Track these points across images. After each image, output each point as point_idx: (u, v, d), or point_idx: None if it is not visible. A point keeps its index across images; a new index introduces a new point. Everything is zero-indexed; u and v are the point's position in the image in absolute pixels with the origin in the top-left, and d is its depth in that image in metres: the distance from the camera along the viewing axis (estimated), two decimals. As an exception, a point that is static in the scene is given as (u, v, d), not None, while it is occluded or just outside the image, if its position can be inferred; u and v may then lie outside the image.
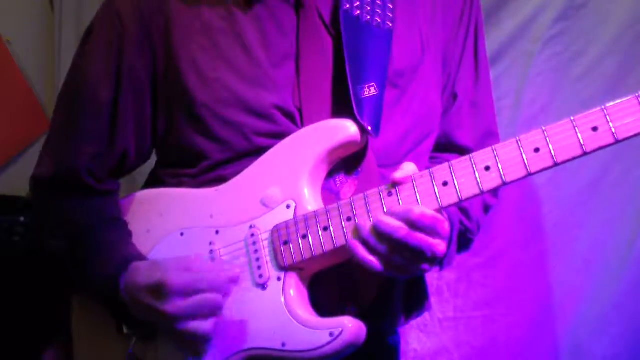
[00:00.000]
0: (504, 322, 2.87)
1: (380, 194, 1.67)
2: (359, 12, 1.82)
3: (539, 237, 2.85)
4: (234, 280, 1.75)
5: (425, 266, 1.67)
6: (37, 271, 2.06)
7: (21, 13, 3.61)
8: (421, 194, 1.64)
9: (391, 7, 1.85)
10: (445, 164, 1.63)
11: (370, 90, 1.77)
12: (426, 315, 2.87)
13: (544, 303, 2.85)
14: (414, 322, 2.87)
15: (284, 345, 1.69)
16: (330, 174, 1.80)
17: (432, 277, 2.87)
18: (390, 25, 1.84)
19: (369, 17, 1.83)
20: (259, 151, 1.80)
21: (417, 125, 1.88)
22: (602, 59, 2.76)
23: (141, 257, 1.84)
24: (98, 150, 1.90)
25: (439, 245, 1.64)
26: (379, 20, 1.83)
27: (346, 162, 1.80)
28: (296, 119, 1.80)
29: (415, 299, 1.99)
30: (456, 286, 2.89)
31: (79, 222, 1.90)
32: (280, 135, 1.79)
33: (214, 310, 1.72)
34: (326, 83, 1.80)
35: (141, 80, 1.88)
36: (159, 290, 1.71)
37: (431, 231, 1.62)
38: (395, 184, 1.66)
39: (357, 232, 1.65)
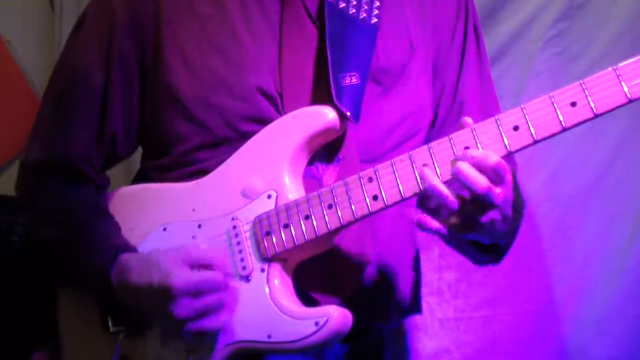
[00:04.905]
0: (504, 322, 2.87)
1: (360, 180, 1.67)
2: (344, 4, 1.85)
3: (539, 237, 2.85)
4: (230, 274, 1.75)
5: (495, 214, 1.61)
6: (32, 272, 2.06)
7: (21, 13, 3.61)
8: (401, 177, 1.64)
9: (378, 4, 1.87)
10: (425, 147, 1.64)
11: (351, 79, 1.78)
12: (426, 315, 2.88)
13: (544, 303, 2.85)
14: (414, 322, 2.87)
15: (269, 336, 1.70)
16: (312, 162, 1.81)
17: (432, 277, 2.87)
18: (376, 20, 1.86)
19: (354, 11, 1.85)
20: (239, 137, 1.81)
21: (402, 123, 1.88)
22: (602, 59, 2.76)
23: (130, 248, 1.84)
24: (91, 135, 1.92)
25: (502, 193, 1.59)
26: (365, 15, 1.85)
27: (327, 150, 1.81)
28: (277, 104, 1.82)
29: (407, 296, 1.97)
30: (456, 286, 2.89)
31: (72, 210, 1.91)
32: (260, 120, 1.81)
33: (221, 305, 1.73)
34: (308, 70, 1.83)
35: (130, 64, 1.91)
36: (165, 293, 1.71)
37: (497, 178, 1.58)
38: (376, 170, 1.66)
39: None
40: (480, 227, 1.62)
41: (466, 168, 1.56)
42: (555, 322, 2.85)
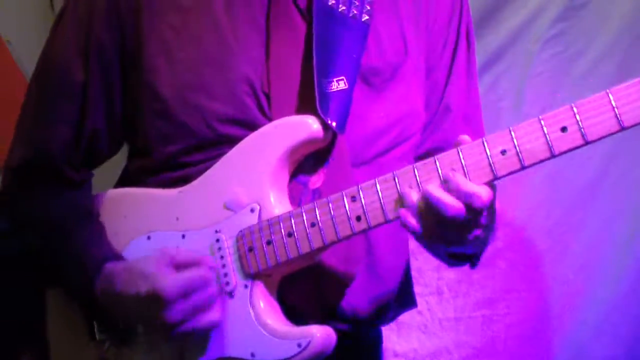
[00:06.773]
0: (503, 322, 2.87)
1: (344, 199, 1.62)
2: (333, 1, 1.77)
3: (539, 237, 2.86)
4: (214, 268, 1.70)
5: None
6: (17, 277, 2.02)
7: (21, 13, 3.61)
8: (385, 198, 1.58)
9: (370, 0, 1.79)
10: (410, 167, 1.57)
11: (339, 85, 1.71)
12: (426, 315, 2.89)
13: (543, 303, 2.85)
14: (414, 322, 2.88)
15: (253, 355, 1.66)
16: (298, 166, 1.74)
17: (432, 277, 2.88)
18: (367, 18, 1.78)
19: (343, 8, 1.77)
20: (222, 140, 1.75)
21: (393, 127, 1.81)
22: (602, 59, 2.76)
23: (115, 256, 1.79)
24: (71, 133, 1.84)
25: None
26: (356, 12, 1.77)
27: (315, 154, 1.74)
28: (263, 105, 1.75)
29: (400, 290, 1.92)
30: (456, 286, 2.89)
31: (50, 219, 1.85)
32: (243, 123, 1.74)
33: (212, 302, 1.68)
34: (296, 72, 1.75)
35: (110, 57, 1.82)
36: (154, 301, 1.65)
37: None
38: (359, 188, 1.60)
39: (403, 202, 1.56)
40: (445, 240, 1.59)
41: (435, 190, 1.51)
42: (554, 322, 2.85)
